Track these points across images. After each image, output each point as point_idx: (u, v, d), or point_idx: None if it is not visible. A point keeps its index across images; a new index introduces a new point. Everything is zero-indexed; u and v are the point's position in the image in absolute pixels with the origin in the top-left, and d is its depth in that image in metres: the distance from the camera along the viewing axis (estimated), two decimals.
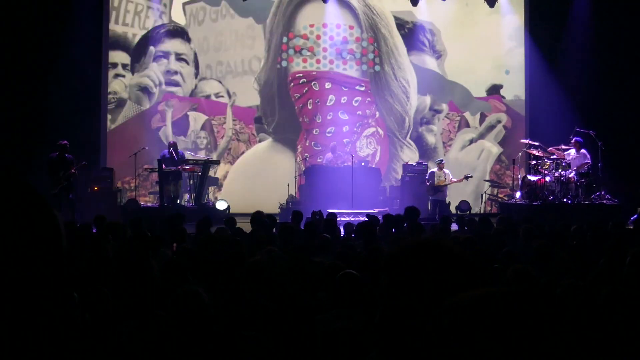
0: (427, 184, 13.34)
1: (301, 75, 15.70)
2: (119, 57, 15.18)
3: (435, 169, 13.60)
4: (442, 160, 13.89)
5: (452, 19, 15.80)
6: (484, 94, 16.01)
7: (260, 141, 15.64)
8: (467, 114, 16.00)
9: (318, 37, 15.69)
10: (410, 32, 15.87)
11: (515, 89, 16.01)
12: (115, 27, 15.15)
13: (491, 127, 16.09)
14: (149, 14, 15.26)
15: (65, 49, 13.55)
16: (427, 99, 15.93)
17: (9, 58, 13.40)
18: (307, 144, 15.53)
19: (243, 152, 15.57)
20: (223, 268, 4.50)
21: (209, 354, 2.92)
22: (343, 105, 15.71)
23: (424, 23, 15.85)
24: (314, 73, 15.70)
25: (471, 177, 13.87)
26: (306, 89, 15.69)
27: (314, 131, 15.60)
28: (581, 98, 14.48)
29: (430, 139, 16.01)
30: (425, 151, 15.89)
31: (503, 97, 16.01)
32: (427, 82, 15.83)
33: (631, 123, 14.22)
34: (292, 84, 15.69)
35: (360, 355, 2.74)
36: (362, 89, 15.79)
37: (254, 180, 15.08)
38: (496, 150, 16.02)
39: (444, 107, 15.98)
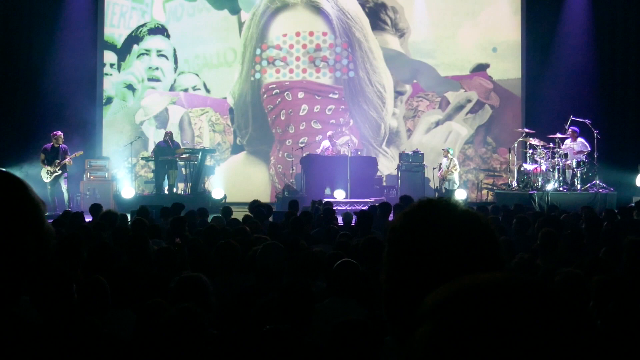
0: (439, 174, 13.66)
1: (274, 86, 15.50)
2: (107, 57, 15.54)
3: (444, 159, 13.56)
4: (446, 149, 13.63)
5: None
6: (460, 73, 15.38)
7: (234, 132, 15.50)
8: (448, 94, 15.42)
9: (291, 46, 15.48)
10: (370, 11, 15.46)
11: (506, 71, 15.42)
12: (104, 29, 15.51)
13: (460, 108, 15.40)
14: (132, 15, 15.54)
15: (64, 49, 14.20)
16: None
17: (10, 58, 14.25)
18: (279, 155, 15.27)
19: (218, 143, 15.47)
20: (220, 257, 4.51)
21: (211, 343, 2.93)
22: (316, 114, 15.43)
23: (385, 0, 15.45)
24: (286, 83, 15.50)
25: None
26: (279, 99, 15.48)
27: (287, 142, 15.31)
28: (577, 86, 14.42)
29: (393, 122, 15.47)
30: (388, 135, 15.44)
31: (490, 76, 15.43)
32: (389, 62, 15.34)
33: (626, 111, 14.23)
34: (265, 95, 15.51)
35: (360, 344, 2.75)
36: (336, 96, 15.44)
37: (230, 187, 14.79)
38: (466, 132, 15.39)
39: (407, 88, 15.45)
